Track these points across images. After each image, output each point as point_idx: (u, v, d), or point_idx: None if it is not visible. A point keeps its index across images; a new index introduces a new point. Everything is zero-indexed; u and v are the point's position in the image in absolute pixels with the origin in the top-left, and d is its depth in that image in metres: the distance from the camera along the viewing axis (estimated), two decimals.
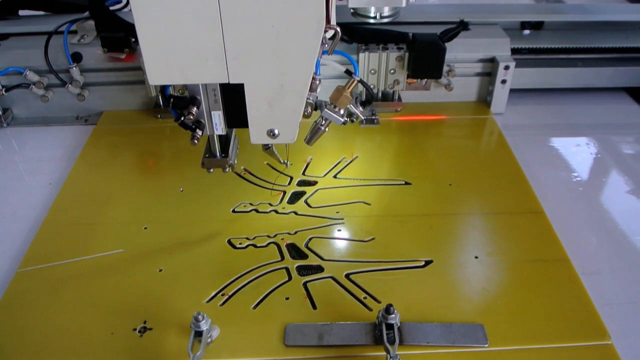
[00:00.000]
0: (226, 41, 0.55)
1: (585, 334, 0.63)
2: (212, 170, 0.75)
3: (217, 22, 0.54)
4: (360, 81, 0.70)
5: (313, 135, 0.71)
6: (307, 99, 0.63)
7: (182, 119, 0.65)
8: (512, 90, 1.04)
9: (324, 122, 0.70)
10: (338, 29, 0.67)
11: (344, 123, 0.70)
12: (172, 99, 0.65)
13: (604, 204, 0.85)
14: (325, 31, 0.61)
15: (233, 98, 0.64)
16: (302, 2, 0.53)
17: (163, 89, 0.65)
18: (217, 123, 0.67)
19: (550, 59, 1.11)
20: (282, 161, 0.78)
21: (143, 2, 0.53)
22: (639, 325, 0.67)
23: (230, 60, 0.57)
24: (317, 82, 0.71)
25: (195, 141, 0.66)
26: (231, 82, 0.59)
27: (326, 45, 0.69)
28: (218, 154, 0.73)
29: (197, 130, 0.66)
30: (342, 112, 0.69)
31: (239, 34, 0.55)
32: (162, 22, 0.54)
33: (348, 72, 0.70)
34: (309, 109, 0.69)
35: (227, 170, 0.74)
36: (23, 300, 0.68)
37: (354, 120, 0.72)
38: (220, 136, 0.71)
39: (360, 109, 0.72)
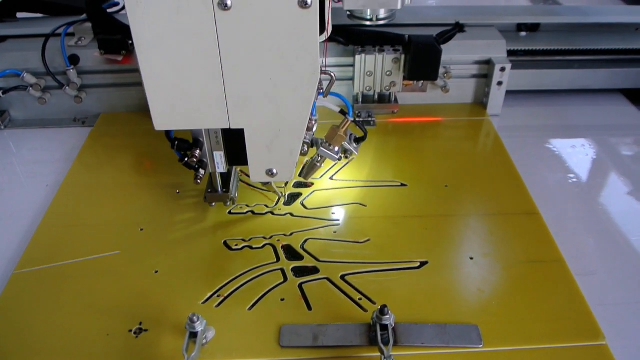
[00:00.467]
0: (227, 91, 0.60)
1: (579, 334, 0.63)
2: (214, 204, 0.80)
3: (219, 74, 0.58)
4: (354, 121, 0.74)
5: (309, 171, 0.77)
6: (304, 138, 0.67)
7: (186, 159, 0.70)
8: (508, 92, 1.05)
9: (319, 158, 0.75)
10: (333, 75, 0.73)
11: (339, 159, 0.74)
12: (176, 142, 0.70)
13: (600, 205, 0.85)
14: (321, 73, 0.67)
15: (234, 140, 0.69)
16: (298, 58, 0.58)
17: (167, 132, 0.69)
18: (219, 162, 0.72)
19: (546, 61, 1.11)
20: (280, 194, 0.83)
21: (150, 54, 0.57)
22: (633, 326, 0.67)
23: (231, 107, 0.61)
24: (313, 122, 0.74)
25: (199, 181, 0.72)
26: (232, 127, 0.63)
27: (322, 89, 0.74)
28: (220, 190, 0.78)
29: (200, 170, 0.71)
30: (337, 149, 0.73)
31: (239, 85, 0.59)
32: (168, 73, 0.58)
33: (342, 112, 0.73)
34: (306, 148, 0.73)
35: (228, 204, 0.79)
36: (19, 301, 0.68)
37: (348, 156, 0.76)
38: (221, 173, 0.75)
39: (355, 145, 0.76)
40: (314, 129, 0.74)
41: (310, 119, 0.68)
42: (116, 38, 0.98)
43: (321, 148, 0.73)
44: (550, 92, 1.13)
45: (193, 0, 0.54)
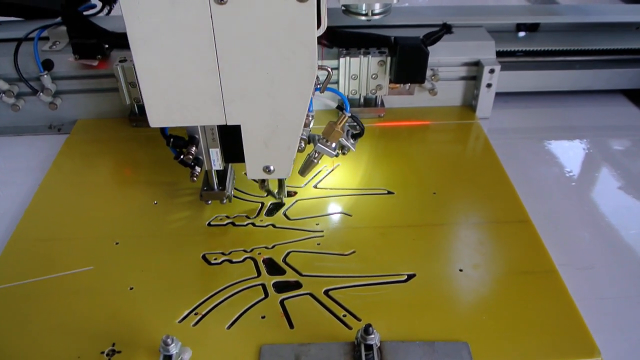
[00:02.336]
0: (223, 86, 0.59)
1: (574, 349, 0.61)
2: (210, 202, 0.79)
3: (215, 69, 0.58)
4: (351, 116, 0.72)
5: (306, 167, 0.75)
6: (301, 135, 0.66)
7: (182, 157, 0.69)
8: (498, 94, 1.02)
9: (317, 155, 0.73)
10: (329, 69, 0.73)
11: (336, 155, 0.74)
12: (171, 139, 0.69)
13: (597, 207, 0.84)
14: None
15: (230, 136, 0.67)
16: (295, 52, 0.57)
17: (162, 129, 0.68)
18: (215, 159, 0.71)
19: (546, 61, 1.09)
20: (277, 197, 0.80)
21: (144, 49, 0.56)
22: (630, 318, 0.67)
23: (228, 103, 0.60)
24: (310, 118, 0.73)
25: (194, 178, 0.70)
26: (228, 123, 0.62)
27: (319, 84, 0.74)
28: (216, 187, 0.77)
29: (196, 168, 0.70)
30: (334, 145, 0.72)
31: (235, 80, 0.59)
32: (162, 69, 0.58)
33: (339, 108, 0.72)
34: (302, 144, 0.72)
35: (224, 202, 0.79)
36: None
37: (346, 152, 0.75)
38: (217, 170, 0.74)
39: (352, 141, 0.74)
40: (311, 125, 0.74)
41: (307, 115, 0.68)
42: (91, 42, 0.94)
43: (318, 144, 0.72)
44: (542, 94, 1.10)
45: None
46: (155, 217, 0.79)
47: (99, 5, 1.09)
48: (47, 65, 0.97)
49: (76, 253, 0.74)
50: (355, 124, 0.75)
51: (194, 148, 0.69)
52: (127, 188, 0.86)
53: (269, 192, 0.79)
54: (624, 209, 0.83)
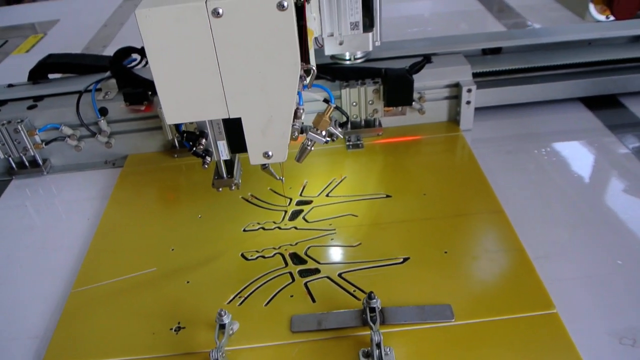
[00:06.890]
0: (225, 86, 0.69)
1: (534, 305, 0.77)
2: (221, 189, 0.89)
3: (217, 72, 0.68)
4: (336, 107, 0.83)
5: (302, 154, 0.85)
6: (294, 125, 0.77)
7: (194, 149, 0.80)
8: (479, 108, 1.18)
9: (309, 142, 0.84)
10: (313, 68, 0.81)
11: (327, 142, 0.84)
12: (185, 134, 0.82)
13: (559, 200, 0.99)
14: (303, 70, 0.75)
15: (233, 129, 0.79)
16: (280, 52, 0.67)
17: (177, 126, 0.81)
18: (222, 150, 0.82)
19: (510, 79, 1.25)
20: (277, 178, 0.92)
21: (158, 59, 0.67)
22: (583, 295, 0.81)
23: (229, 99, 0.71)
24: (301, 111, 0.83)
25: (206, 166, 0.82)
26: (231, 117, 0.72)
27: (305, 81, 0.81)
28: (225, 176, 0.88)
29: (207, 157, 0.82)
30: (323, 133, 0.83)
31: (234, 80, 0.69)
32: (175, 75, 0.68)
33: (325, 100, 0.83)
34: (296, 134, 0.81)
35: (233, 188, 0.88)
36: (79, 314, 0.84)
37: (334, 139, 0.86)
38: (225, 160, 0.85)
39: (339, 129, 0.86)
40: (302, 117, 0.81)
41: (298, 108, 0.77)
42: (138, 91, 1.13)
43: (310, 133, 0.82)
44: (518, 106, 1.25)
45: (190, 11, 0.63)
46: (201, 227, 0.98)
47: (138, 58, 1.29)
48: (103, 112, 1.16)
49: (141, 259, 0.93)
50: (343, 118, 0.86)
51: (204, 140, 0.79)
52: (174, 206, 1.05)
53: (271, 174, 0.90)
54: (584, 203, 0.97)
